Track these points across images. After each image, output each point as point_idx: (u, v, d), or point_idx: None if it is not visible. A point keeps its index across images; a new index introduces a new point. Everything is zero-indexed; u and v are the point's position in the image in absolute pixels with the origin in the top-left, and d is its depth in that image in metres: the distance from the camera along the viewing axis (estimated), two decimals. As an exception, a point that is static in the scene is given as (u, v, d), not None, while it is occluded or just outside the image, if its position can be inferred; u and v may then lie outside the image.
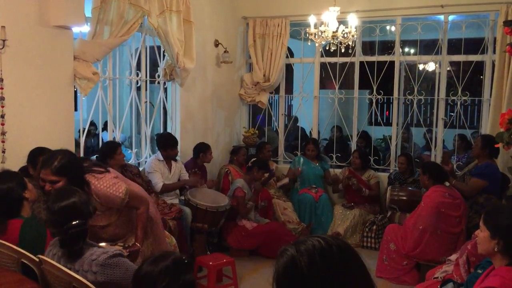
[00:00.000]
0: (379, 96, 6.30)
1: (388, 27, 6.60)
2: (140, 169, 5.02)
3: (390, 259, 4.69)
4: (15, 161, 3.49)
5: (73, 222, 2.28)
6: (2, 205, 2.71)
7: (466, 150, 6.43)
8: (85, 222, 2.34)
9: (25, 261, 2.46)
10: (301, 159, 6.33)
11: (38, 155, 3.44)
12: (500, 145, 4.06)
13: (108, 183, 2.96)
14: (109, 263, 2.27)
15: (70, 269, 2.29)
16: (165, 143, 5.02)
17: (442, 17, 5.92)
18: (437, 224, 4.44)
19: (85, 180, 2.90)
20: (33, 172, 3.42)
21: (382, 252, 4.80)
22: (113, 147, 4.41)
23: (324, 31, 4.85)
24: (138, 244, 3.05)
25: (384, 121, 7.48)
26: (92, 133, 6.81)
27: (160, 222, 3.45)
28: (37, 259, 2.42)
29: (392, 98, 6.34)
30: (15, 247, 2.52)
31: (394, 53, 6.22)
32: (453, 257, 3.60)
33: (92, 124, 6.04)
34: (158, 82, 5.42)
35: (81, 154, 4.49)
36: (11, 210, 2.73)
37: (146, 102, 5.29)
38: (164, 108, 5.61)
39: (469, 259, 3.28)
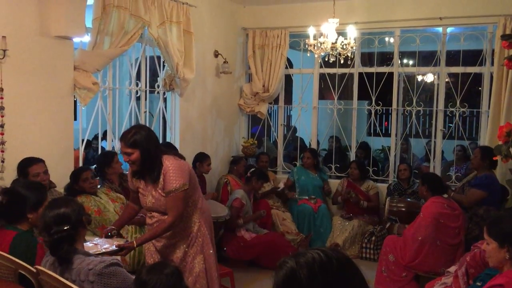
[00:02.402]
0: (378, 107, 6.33)
1: (387, 39, 6.65)
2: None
3: (389, 271, 4.67)
4: (14, 171, 3.49)
5: (56, 228, 2.31)
6: (9, 208, 2.72)
7: (465, 161, 6.43)
8: (70, 228, 2.34)
9: (22, 272, 2.46)
10: (299, 170, 6.34)
11: (28, 167, 3.45)
12: (498, 158, 4.06)
13: (178, 167, 3.03)
14: (106, 272, 2.28)
15: (67, 279, 2.28)
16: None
17: (440, 29, 5.96)
18: (436, 235, 4.43)
19: (160, 156, 3.02)
20: None
21: (381, 264, 4.78)
22: (109, 156, 4.41)
23: (323, 43, 4.88)
24: (135, 243, 2.98)
25: (383, 132, 7.50)
26: (94, 147, 6.79)
27: (210, 244, 3.28)
28: (34, 270, 2.41)
29: (391, 109, 6.36)
30: (12, 257, 2.51)
31: (393, 64, 6.24)
32: (452, 269, 3.59)
33: (96, 138, 6.04)
34: (158, 92, 5.43)
35: (80, 164, 4.49)
36: (13, 218, 2.73)
37: (145, 112, 5.29)
38: (164, 118, 5.61)
39: (468, 271, 3.27)
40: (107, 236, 3.08)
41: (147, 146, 2.97)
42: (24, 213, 2.72)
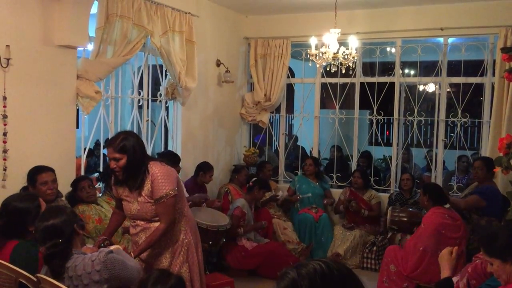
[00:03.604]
0: (379, 117, 6.34)
1: (388, 49, 6.67)
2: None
3: (390, 281, 4.65)
4: (16, 179, 3.50)
5: (50, 243, 2.35)
6: (11, 222, 2.71)
7: (468, 172, 6.42)
8: (64, 241, 2.38)
9: (23, 281, 2.45)
10: (300, 178, 6.34)
11: (36, 174, 3.46)
12: (498, 169, 4.06)
13: (166, 173, 3.03)
14: (108, 258, 2.39)
15: (71, 276, 2.35)
16: (169, 160, 5.00)
17: (441, 39, 5.99)
18: (437, 245, 4.41)
19: (146, 163, 3.02)
20: (32, 191, 3.41)
21: (382, 274, 4.76)
22: None
23: (325, 52, 4.91)
24: (133, 255, 2.95)
25: (385, 141, 7.50)
26: (96, 154, 6.80)
27: (195, 252, 3.26)
28: (35, 279, 2.41)
29: (393, 118, 6.36)
30: (12, 266, 2.51)
31: (394, 74, 6.27)
32: (454, 279, 3.57)
33: (98, 145, 6.04)
34: (160, 101, 5.45)
35: (82, 172, 4.50)
36: (17, 231, 2.73)
37: (147, 120, 5.31)
38: (166, 126, 5.63)
39: (469, 282, 3.25)
40: (100, 247, 3.06)
41: (134, 152, 2.96)
42: (26, 226, 2.72)
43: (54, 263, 2.36)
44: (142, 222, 3.11)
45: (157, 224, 3.05)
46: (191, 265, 3.21)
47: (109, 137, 4.86)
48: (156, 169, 3.01)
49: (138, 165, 2.99)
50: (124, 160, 2.93)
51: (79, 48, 4.15)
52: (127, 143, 2.94)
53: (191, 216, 3.33)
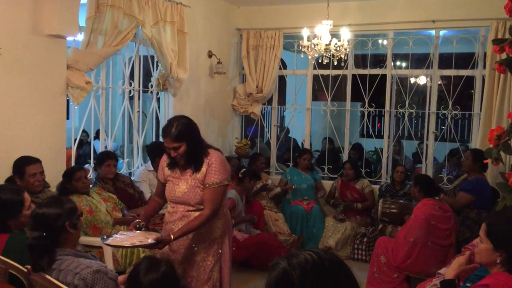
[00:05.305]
0: (371, 109, 6.36)
1: (380, 41, 6.69)
2: (133, 178, 4.99)
3: (380, 272, 4.69)
4: (6, 170, 3.47)
5: (32, 234, 2.31)
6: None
7: (458, 165, 6.46)
8: (46, 236, 2.31)
9: (13, 272, 2.44)
10: (291, 170, 6.36)
11: (23, 165, 3.42)
12: (489, 161, 4.08)
13: (223, 161, 3.05)
14: (89, 278, 2.27)
15: (56, 279, 2.28)
16: (159, 151, 4.98)
17: (433, 32, 6.00)
18: (428, 237, 4.45)
19: (205, 147, 3.04)
20: (20, 182, 3.38)
21: (372, 265, 4.79)
22: (103, 158, 4.37)
23: (317, 44, 4.90)
24: (172, 237, 2.86)
25: (376, 133, 7.54)
26: (84, 141, 6.76)
27: (229, 254, 3.25)
28: (25, 270, 2.40)
29: (384, 111, 6.39)
30: (3, 258, 2.49)
31: (386, 66, 6.28)
32: (443, 270, 3.60)
33: (84, 131, 5.99)
34: (151, 92, 5.42)
35: (73, 163, 4.47)
36: (4, 223, 2.71)
37: (138, 111, 5.28)
38: (157, 118, 5.61)
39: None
40: (136, 229, 3.04)
41: (191, 135, 2.96)
42: (6, 219, 2.69)
43: (35, 255, 2.31)
44: (182, 209, 3.05)
45: (197, 213, 2.99)
46: (224, 267, 3.19)
47: (99, 128, 4.86)
48: (215, 156, 3.03)
49: (198, 148, 3.00)
50: (184, 147, 2.93)
51: (69, 38, 4.10)
52: (182, 129, 2.93)
53: (229, 218, 3.28)
